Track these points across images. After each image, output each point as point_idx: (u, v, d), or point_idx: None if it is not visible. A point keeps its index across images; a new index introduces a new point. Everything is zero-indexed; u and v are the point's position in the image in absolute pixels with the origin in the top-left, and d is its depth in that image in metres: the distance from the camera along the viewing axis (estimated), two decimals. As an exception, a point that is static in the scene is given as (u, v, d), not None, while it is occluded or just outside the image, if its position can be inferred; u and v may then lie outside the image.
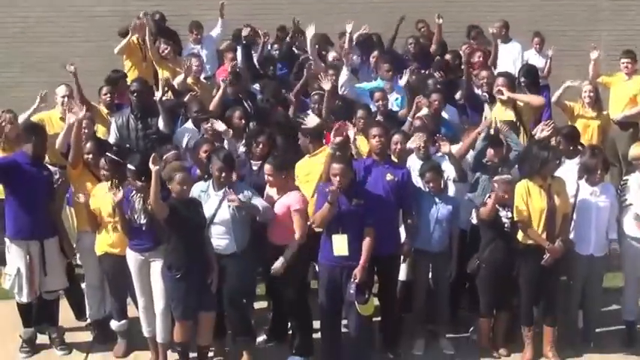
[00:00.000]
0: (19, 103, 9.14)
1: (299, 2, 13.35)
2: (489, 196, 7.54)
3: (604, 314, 8.34)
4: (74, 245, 8.06)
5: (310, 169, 7.93)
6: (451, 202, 7.79)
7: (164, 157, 7.58)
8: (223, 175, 7.31)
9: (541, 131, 8.03)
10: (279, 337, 8.01)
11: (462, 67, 10.07)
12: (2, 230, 7.87)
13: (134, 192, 7.33)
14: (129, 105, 9.18)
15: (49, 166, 7.95)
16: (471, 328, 8.16)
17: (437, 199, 7.71)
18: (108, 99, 9.52)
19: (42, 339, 8.06)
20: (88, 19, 13.53)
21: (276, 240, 7.54)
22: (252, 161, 8.06)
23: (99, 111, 9.40)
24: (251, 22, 11.24)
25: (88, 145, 7.90)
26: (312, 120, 8.30)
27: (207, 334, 7.47)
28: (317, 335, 7.75)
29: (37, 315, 7.96)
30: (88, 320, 8.20)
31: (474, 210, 7.77)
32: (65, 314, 8.24)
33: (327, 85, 8.98)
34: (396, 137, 8.09)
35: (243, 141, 8.40)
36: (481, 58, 10.49)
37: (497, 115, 8.64)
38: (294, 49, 11.48)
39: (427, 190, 7.76)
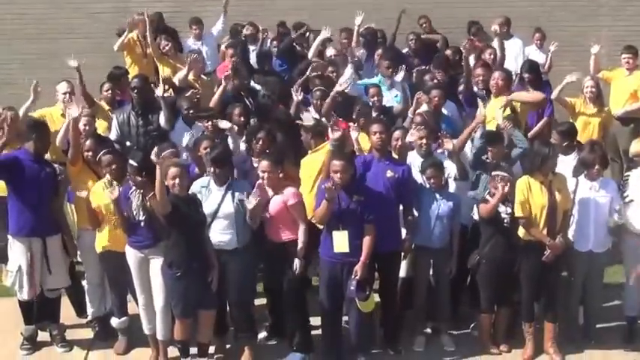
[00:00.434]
0: (18, 100, 9.11)
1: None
2: (489, 193, 7.54)
3: (605, 310, 8.34)
4: (75, 243, 8.07)
5: (311, 165, 7.93)
6: (452, 198, 7.77)
7: (161, 155, 7.57)
8: (216, 171, 7.31)
9: None
10: (280, 334, 8.01)
11: (462, 62, 10.05)
12: (5, 228, 7.86)
13: (133, 188, 7.33)
14: (130, 101, 9.18)
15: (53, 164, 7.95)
16: (472, 325, 8.16)
17: (438, 196, 7.71)
18: (109, 95, 9.52)
19: (43, 336, 8.06)
20: (88, 15, 13.50)
21: (274, 237, 7.53)
22: (252, 158, 8.06)
23: (100, 107, 9.40)
24: (250, 20, 11.22)
25: (88, 142, 7.90)
26: (308, 118, 8.28)
27: (208, 332, 7.48)
28: (317, 332, 7.76)
29: (39, 312, 7.96)
30: (89, 317, 8.20)
31: (475, 206, 7.77)
32: (66, 311, 8.24)
33: (340, 87, 8.90)
34: (397, 133, 8.10)
35: (244, 138, 8.40)
36: (492, 56, 10.46)
37: (493, 110, 8.59)
38: (295, 44, 11.46)
39: (428, 186, 7.76)
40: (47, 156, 7.95)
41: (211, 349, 7.68)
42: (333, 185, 7.13)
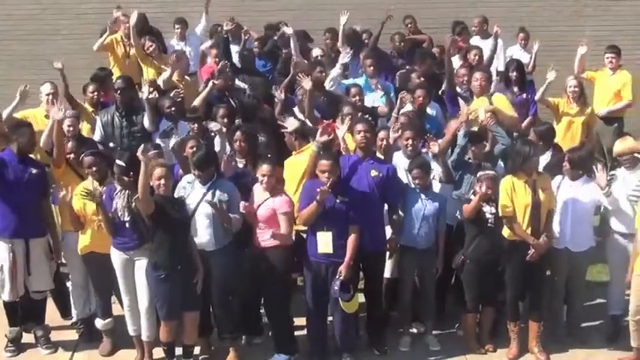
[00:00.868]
0: (5, 100, 9.07)
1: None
2: (473, 193, 7.55)
3: (589, 308, 8.38)
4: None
5: (295, 166, 7.92)
6: (438, 199, 7.78)
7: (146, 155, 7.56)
8: (196, 172, 7.31)
9: None
10: (258, 334, 8.00)
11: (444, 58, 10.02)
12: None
13: (118, 189, 7.31)
14: (114, 103, 9.16)
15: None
16: (457, 324, 8.18)
17: (423, 196, 7.71)
18: (95, 97, 9.48)
19: (27, 338, 8.04)
20: (74, 16, 13.46)
21: (261, 243, 7.47)
22: (237, 159, 8.04)
23: (84, 109, 9.37)
24: (234, 20, 11.19)
25: (70, 144, 7.89)
26: (291, 123, 8.25)
27: (193, 333, 7.48)
28: (302, 332, 7.76)
29: (24, 314, 7.93)
30: (74, 319, 8.18)
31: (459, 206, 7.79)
32: (51, 313, 8.21)
33: (307, 85, 8.88)
34: (382, 133, 8.10)
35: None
36: (477, 57, 10.47)
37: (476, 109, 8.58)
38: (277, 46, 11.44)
39: (413, 186, 7.76)
40: (32, 156, 7.93)
41: (196, 350, 7.66)
42: (327, 187, 7.12)
